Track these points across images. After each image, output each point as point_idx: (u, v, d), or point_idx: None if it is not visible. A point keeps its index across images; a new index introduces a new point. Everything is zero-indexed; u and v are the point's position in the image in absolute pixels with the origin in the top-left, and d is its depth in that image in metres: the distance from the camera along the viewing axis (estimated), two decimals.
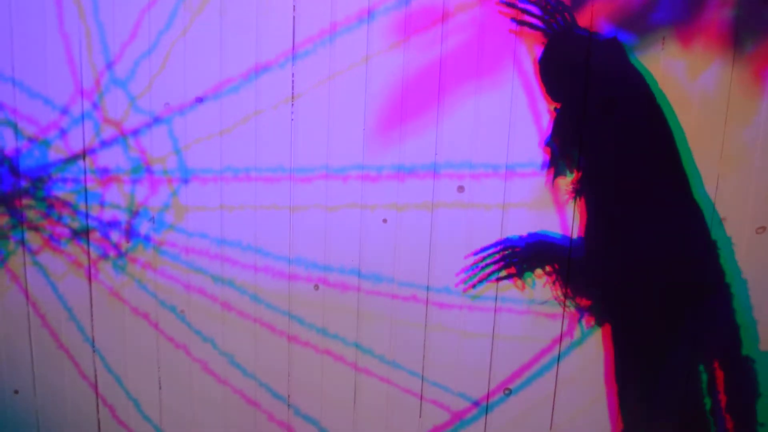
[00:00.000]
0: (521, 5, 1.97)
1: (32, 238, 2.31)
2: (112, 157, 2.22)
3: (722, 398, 2.06)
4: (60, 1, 2.15)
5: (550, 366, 2.14)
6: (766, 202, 1.97)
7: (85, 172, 2.24)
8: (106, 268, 2.29)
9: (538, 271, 2.10)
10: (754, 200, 1.97)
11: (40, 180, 2.26)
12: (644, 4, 1.93)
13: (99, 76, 2.18)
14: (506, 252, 2.09)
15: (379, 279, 2.17)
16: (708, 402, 2.07)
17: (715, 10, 1.91)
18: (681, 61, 1.93)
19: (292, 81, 2.10)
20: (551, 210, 2.05)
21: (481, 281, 2.12)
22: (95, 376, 2.38)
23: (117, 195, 2.24)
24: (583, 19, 1.95)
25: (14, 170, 2.27)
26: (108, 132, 2.21)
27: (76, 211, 2.27)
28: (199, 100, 2.15)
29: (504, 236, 2.08)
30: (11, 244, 2.32)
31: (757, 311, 2.01)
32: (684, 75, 1.94)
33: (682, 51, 1.93)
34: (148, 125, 2.19)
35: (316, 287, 2.20)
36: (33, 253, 2.31)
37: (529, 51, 1.99)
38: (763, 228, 1.99)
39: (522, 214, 2.06)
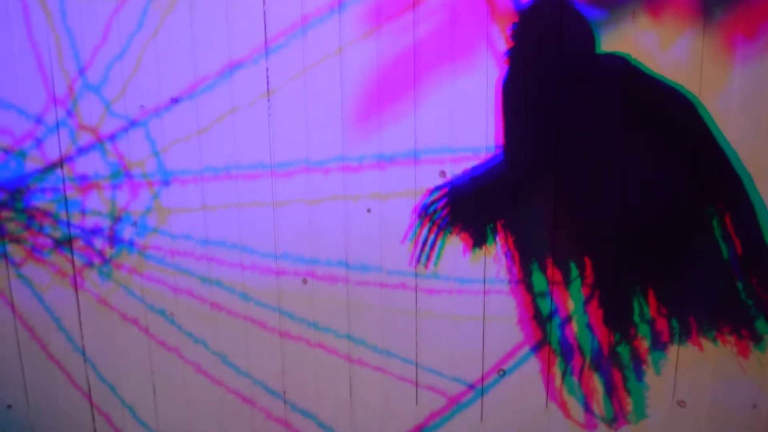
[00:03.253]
0: None
1: (14, 251, 2.28)
2: (90, 164, 2.20)
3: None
4: (26, 6, 2.12)
5: (542, 343, 2.16)
6: None
7: (63, 181, 2.22)
8: (91, 276, 2.27)
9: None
10: None
11: (18, 191, 2.24)
12: None
13: (72, 83, 2.15)
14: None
15: (366, 269, 2.17)
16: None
17: None
18: (652, 33, 1.94)
19: (267, 76, 2.08)
20: None
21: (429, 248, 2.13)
22: (88, 385, 2.37)
23: (98, 201, 2.22)
24: None
25: None
26: (84, 138, 2.18)
27: (57, 220, 2.25)
28: (175, 100, 2.13)
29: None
30: None
31: None
32: (656, 47, 1.95)
33: (653, 23, 1.94)
34: (125, 129, 2.17)
35: (305, 281, 2.20)
36: (16, 265, 2.29)
37: (501, 31, 1.99)
38: None
39: None
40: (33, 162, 2.22)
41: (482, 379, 2.21)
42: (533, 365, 2.17)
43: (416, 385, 2.24)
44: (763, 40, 1.94)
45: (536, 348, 2.15)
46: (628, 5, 1.94)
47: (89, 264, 2.27)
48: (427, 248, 2.13)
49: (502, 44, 1.99)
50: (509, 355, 2.18)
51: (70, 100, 2.16)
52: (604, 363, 2.14)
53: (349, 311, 2.20)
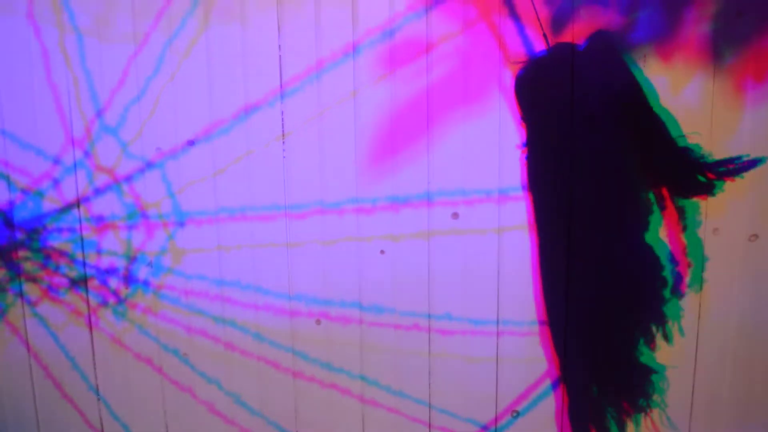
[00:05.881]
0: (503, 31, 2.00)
1: (30, 290, 2.30)
2: (106, 205, 2.23)
3: None
4: (46, 50, 2.16)
5: (555, 385, 2.15)
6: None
7: (80, 221, 2.24)
8: (106, 316, 2.29)
9: None
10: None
11: (35, 231, 2.26)
12: (623, 24, 1.96)
13: (89, 124, 2.19)
14: None
15: (380, 310, 2.17)
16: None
17: (693, 25, 1.94)
18: (663, 77, 1.97)
19: (282, 119, 2.11)
20: None
21: None
22: (101, 424, 2.37)
23: (113, 242, 2.24)
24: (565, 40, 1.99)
25: (9, 223, 2.27)
26: (101, 179, 2.21)
27: (73, 260, 2.27)
28: (191, 143, 2.16)
29: None
30: (9, 297, 2.31)
31: None
32: (667, 90, 1.97)
33: (663, 67, 1.96)
34: (141, 171, 2.19)
35: (318, 322, 2.21)
36: (32, 304, 2.31)
37: (513, 75, 2.02)
38: (756, 236, 2.02)
39: (518, 236, 2.08)
40: (50, 202, 2.25)
41: (495, 420, 2.20)
42: (546, 406, 2.16)
43: (429, 426, 2.23)
44: None
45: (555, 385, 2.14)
46: (639, 50, 1.97)
47: (104, 303, 2.28)
48: None
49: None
50: (523, 396, 2.17)
51: (88, 142, 2.20)
52: None
53: (363, 352, 2.21)
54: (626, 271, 2.06)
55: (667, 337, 2.08)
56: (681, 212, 2.02)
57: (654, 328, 2.08)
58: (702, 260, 2.04)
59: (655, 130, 1.99)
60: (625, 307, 2.08)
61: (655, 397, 2.12)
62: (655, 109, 1.98)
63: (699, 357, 2.09)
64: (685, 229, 2.03)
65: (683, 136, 1.97)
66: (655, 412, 2.13)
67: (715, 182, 2.00)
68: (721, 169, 1.99)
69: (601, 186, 2.03)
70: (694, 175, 2.00)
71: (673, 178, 2.01)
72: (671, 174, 2.01)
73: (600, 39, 1.97)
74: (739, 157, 1.97)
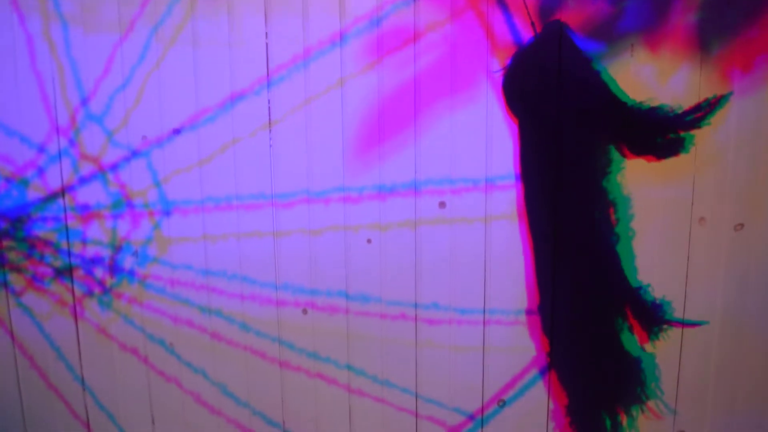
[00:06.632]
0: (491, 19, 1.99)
1: (15, 280, 2.28)
2: (91, 193, 2.21)
3: None
4: (31, 37, 2.14)
5: (542, 374, 2.15)
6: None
7: (65, 210, 2.23)
8: (91, 306, 2.27)
9: None
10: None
11: (19, 220, 2.24)
12: (611, 13, 1.96)
13: (74, 113, 2.17)
14: None
15: (366, 299, 2.17)
16: None
17: (680, 14, 1.94)
18: (650, 66, 1.97)
19: (269, 107, 2.10)
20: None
21: None
22: (87, 414, 2.35)
23: (99, 231, 2.23)
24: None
25: None
26: (86, 168, 2.20)
27: (58, 249, 2.25)
28: (177, 131, 2.14)
29: None
30: None
31: None
32: (655, 80, 1.97)
33: (651, 56, 1.96)
34: (127, 159, 2.18)
35: (305, 311, 2.20)
36: (16, 294, 2.29)
37: (500, 64, 2.01)
38: (741, 225, 2.02)
39: (504, 225, 2.08)
40: (35, 191, 2.23)
41: (482, 409, 2.20)
42: (533, 396, 2.17)
43: (416, 415, 2.23)
44: (760, 73, 1.96)
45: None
46: (627, 39, 1.96)
47: (89, 293, 2.27)
48: None
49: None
50: (509, 385, 2.17)
51: (73, 130, 2.18)
52: None
53: (349, 342, 2.20)
54: (605, 255, 2.07)
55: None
56: None
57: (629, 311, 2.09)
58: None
59: (615, 103, 1.99)
60: (606, 293, 2.09)
61: (651, 386, 2.13)
62: (611, 87, 1.98)
63: (684, 347, 2.10)
64: None
65: (642, 102, 1.98)
66: (652, 402, 2.14)
67: (685, 136, 2.00)
68: (688, 118, 1.99)
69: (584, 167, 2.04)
70: (667, 134, 2.00)
71: (654, 147, 2.02)
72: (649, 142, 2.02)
73: (553, 28, 1.97)
74: (705, 100, 1.97)
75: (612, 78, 1.97)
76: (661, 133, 2.00)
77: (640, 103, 1.98)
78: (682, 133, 1.99)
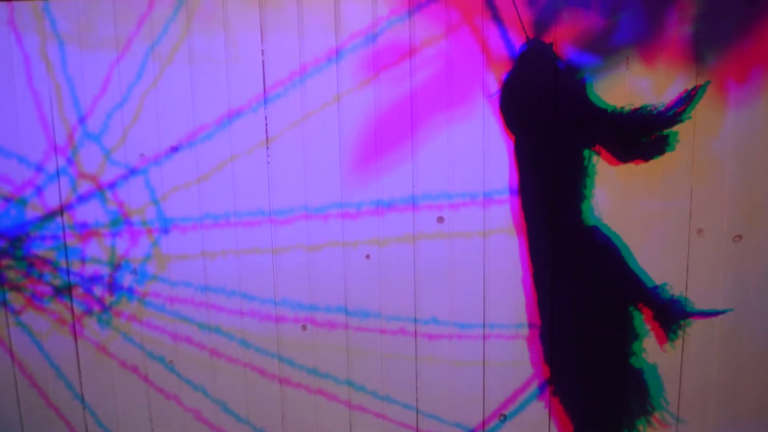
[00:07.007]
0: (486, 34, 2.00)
1: (14, 299, 2.28)
2: (90, 212, 2.21)
3: None
4: (28, 57, 2.15)
5: (542, 388, 2.14)
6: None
7: (63, 229, 2.23)
8: (91, 324, 2.27)
9: None
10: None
11: (18, 239, 2.24)
12: (606, 26, 1.97)
13: (72, 131, 2.17)
14: None
15: (366, 315, 2.16)
16: None
17: (675, 27, 1.95)
18: (646, 79, 1.97)
19: (266, 124, 2.11)
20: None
21: None
22: None
23: (97, 249, 2.23)
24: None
25: None
26: (84, 186, 2.20)
27: (56, 268, 2.25)
28: (174, 149, 2.15)
29: None
30: None
31: None
32: (650, 92, 1.98)
33: (647, 69, 1.97)
34: (125, 177, 2.18)
35: (304, 327, 2.20)
36: (16, 313, 2.29)
37: (496, 78, 2.02)
38: (740, 237, 2.02)
39: (502, 239, 2.07)
40: (33, 210, 2.23)
41: (483, 424, 2.19)
42: (534, 410, 2.16)
43: (417, 430, 2.22)
44: (755, 84, 1.96)
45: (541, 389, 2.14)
46: (622, 52, 1.97)
47: (88, 311, 2.27)
48: None
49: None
50: (510, 400, 2.17)
51: (71, 149, 2.18)
52: None
53: (349, 357, 2.20)
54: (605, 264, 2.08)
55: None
56: None
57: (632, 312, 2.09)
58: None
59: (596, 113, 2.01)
60: (610, 302, 2.09)
61: (656, 398, 2.12)
62: (591, 97, 2.00)
63: (685, 357, 2.09)
64: None
65: (623, 107, 1.99)
66: (657, 414, 2.14)
67: (668, 133, 2.00)
68: (671, 113, 1.99)
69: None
70: (653, 133, 2.01)
71: (641, 148, 2.02)
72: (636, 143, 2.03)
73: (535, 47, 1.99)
74: (685, 92, 1.97)
75: (592, 90, 1.99)
76: (645, 132, 2.01)
77: (621, 108, 1.99)
78: (666, 131, 2.00)
